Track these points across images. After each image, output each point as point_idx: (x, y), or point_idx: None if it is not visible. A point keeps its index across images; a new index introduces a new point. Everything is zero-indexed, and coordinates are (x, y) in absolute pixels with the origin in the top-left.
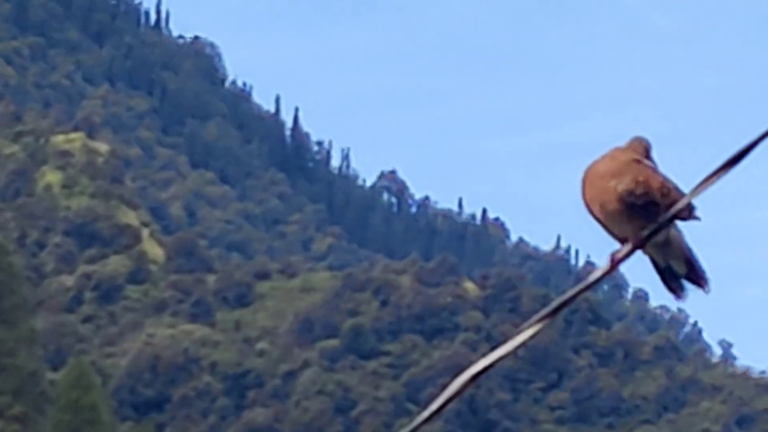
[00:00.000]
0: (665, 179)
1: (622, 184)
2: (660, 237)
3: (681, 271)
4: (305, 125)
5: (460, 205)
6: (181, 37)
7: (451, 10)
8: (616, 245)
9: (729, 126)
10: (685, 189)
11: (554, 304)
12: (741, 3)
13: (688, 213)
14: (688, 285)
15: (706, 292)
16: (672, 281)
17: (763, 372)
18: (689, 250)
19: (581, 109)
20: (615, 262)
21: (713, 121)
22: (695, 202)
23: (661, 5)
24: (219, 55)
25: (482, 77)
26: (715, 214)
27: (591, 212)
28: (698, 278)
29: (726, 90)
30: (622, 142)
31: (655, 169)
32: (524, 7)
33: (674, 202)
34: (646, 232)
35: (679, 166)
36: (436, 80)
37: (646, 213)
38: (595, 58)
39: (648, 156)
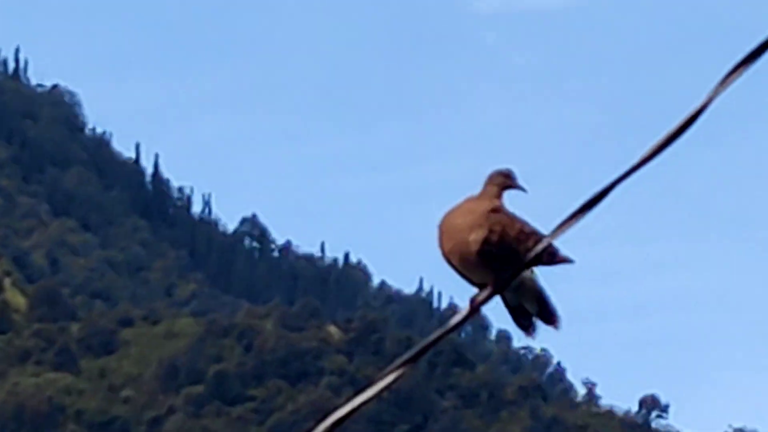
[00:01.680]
0: (524, 224)
1: (480, 236)
2: (516, 280)
3: (532, 310)
4: (166, 171)
5: (322, 248)
6: (40, 85)
7: (308, 50)
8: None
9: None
10: (547, 228)
11: (417, 348)
12: (600, 42)
13: (551, 257)
14: (539, 323)
15: (557, 330)
16: (523, 319)
17: (627, 411)
18: (541, 289)
19: (441, 149)
20: (475, 307)
21: (574, 158)
22: (559, 243)
23: (520, 44)
24: (78, 103)
25: (341, 117)
26: (576, 252)
27: (449, 263)
28: (550, 317)
29: (586, 127)
30: (481, 182)
31: (512, 216)
32: (384, 46)
33: (533, 246)
34: (504, 278)
35: (540, 204)
36: (294, 121)
37: (506, 261)
38: (455, 96)
39: (510, 186)
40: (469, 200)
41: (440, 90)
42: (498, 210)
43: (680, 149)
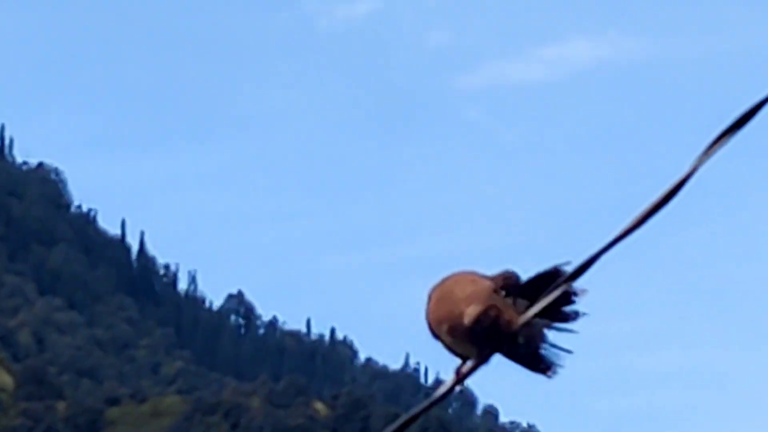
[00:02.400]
0: (518, 315)
1: (476, 311)
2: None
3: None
4: (151, 248)
5: (308, 325)
6: (25, 163)
7: (291, 129)
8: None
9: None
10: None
11: (402, 419)
12: (583, 116)
13: (535, 361)
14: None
15: (550, 378)
16: (533, 362)
17: None
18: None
19: (425, 224)
20: (461, 377)
21: (559, 232)
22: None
23: (504, 119)
24: (64, 181)
25: (325, 194)
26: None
27: (434, 331)
28: (541, 364)
29: (569, 203)
30: (466, 258)
31: (509, 303)
32: (369, 125)
33: (524, 326)
34: (490, 352)
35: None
36: (279, 198)
37: (494, 341)
38: (439, 172)
39: (508, 289)
40: (472, 273)
41: (425, 167)
42: (498, 291)
43: (666, 224)
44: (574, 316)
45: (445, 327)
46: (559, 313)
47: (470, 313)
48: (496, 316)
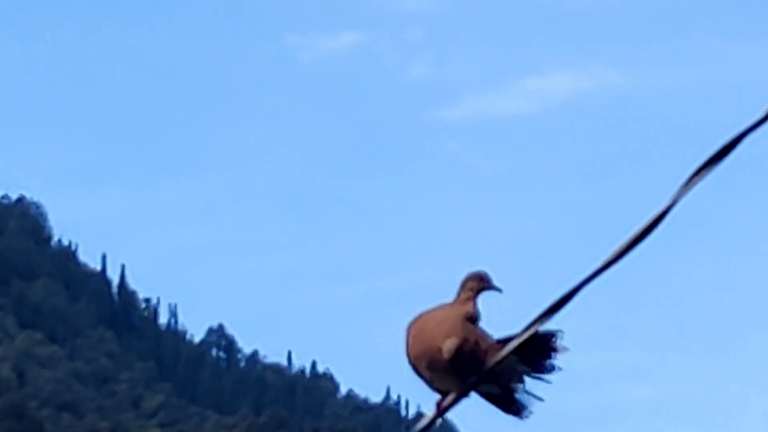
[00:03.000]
0: (492, 342)
1: (453, 345)
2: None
3: (494, 390)
4: (132, 282)
5: (289, 358)
6: (5, 197)
7: (272, 161)
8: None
9: (556, 272)
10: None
11: None
12: (564, 148)
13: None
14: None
15: (522, 420)
16: (505, 404)
17: None
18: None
19: (405, 257)
20: (441, 410)
21: (539, 267)
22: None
23: (485, 152)
24: (44, 214)
25: (306, 228)
26: None
27: (415, 368)
28: (513, 405)
29: (549, 235)
30: (445, 291)
31: (484, 331)
32: (348, 157)
33: (501, 359)
34: (470, 385)
35: (503, 314)
36: (259, 232)
37: (474, 371)
38: (419, 205)
39: (486, 288)
40: (443, 307)
41: (405, 200)
42: (472, 319)
43: (646, 257)
44: (550, 368)
45: (424, 363)
46: (538, 363)
47: (448, 347)
48: (473, 347)
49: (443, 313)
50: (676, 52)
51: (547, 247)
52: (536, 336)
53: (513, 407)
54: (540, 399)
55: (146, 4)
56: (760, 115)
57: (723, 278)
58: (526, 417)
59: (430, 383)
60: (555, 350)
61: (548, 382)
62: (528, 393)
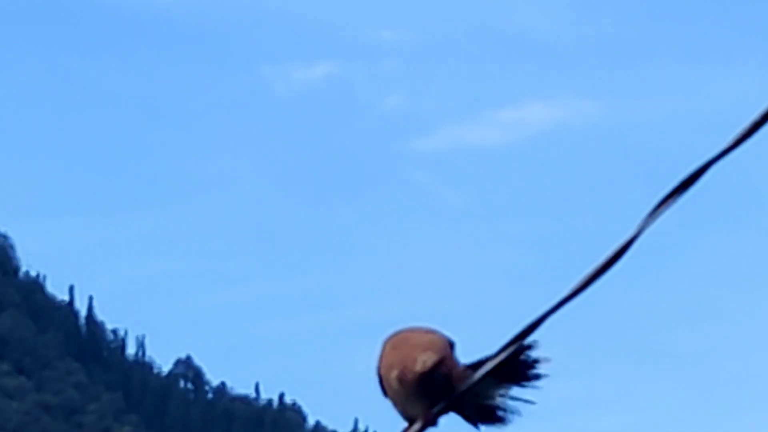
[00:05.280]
0: (463, 369)
1: (430, 359)
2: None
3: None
4: (100, 313)
5: (257, 390)
6: None
7: (239, 193)
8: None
9: (523, 303)
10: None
11: None
12: (534, 179)
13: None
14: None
15: (505, 426)
16: (486, 416)
17: None
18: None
19: (373, 288)
20: None
21: (506, 298)
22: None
23: (452, 183)
24: (12, 246)
25: (273, 258)
26: None
27: (383, 381)
28: (492, 416)
29: (516, 267)
30: (416, 319)
31: (460, 363)
32: (314, 187)
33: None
34: (436, 414)
35: (469, 345)
36: (227, 263)
37: (442, 393)
38: (386, 236)
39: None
40: (431, 330)
41: (372, 230)
42: (453, 347)
43: (613, 286)
44: (534, 377)
45: (395, 372)
46: (521, 375)
47: (424, 359)
48: (449, 370)
49: (429, 331)
50: (646, 81)
51: (513, 276)
52: (512, 355)
53: (490, 419)
54: (531, 402)
55: (117, 34)
56: (724, 144)
57: (689, 306)
58: (510, 421)
59: (395, 403)
60: (536, 360)
61: (537, 387)
62: (515, 398)
